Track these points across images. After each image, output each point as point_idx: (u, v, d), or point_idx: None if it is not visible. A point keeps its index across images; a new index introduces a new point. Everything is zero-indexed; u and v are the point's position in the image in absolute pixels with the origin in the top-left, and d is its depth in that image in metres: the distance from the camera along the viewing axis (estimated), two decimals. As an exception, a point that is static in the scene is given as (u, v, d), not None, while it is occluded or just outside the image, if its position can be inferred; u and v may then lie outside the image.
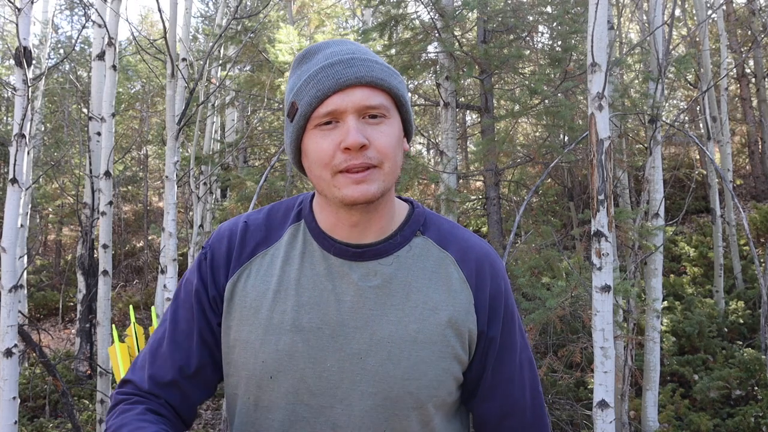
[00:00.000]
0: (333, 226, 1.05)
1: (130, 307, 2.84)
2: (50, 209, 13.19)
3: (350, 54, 0.99)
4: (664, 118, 6.00)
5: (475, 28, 6.21)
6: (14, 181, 3.71)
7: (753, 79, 11.46)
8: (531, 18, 5.92)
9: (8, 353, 3.56)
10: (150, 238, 12.69)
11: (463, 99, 8.34)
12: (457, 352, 1.04)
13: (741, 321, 7.06)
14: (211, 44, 7.22)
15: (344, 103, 0.96)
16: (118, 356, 2.39)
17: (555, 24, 5.81)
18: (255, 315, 1.02)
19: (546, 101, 5.59)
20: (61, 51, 12.37)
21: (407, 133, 1.07)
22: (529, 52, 6.43)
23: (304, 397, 1.00)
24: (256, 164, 11.73)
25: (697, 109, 9.60)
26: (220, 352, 1.07)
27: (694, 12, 10.07)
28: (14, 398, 3.59)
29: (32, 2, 3.79)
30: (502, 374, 1.10)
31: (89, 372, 7.50)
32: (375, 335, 1.00)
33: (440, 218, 1.13)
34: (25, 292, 8.38)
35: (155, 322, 2.57)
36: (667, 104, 11.94)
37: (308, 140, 1.00)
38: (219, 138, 10.58)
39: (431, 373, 1.01)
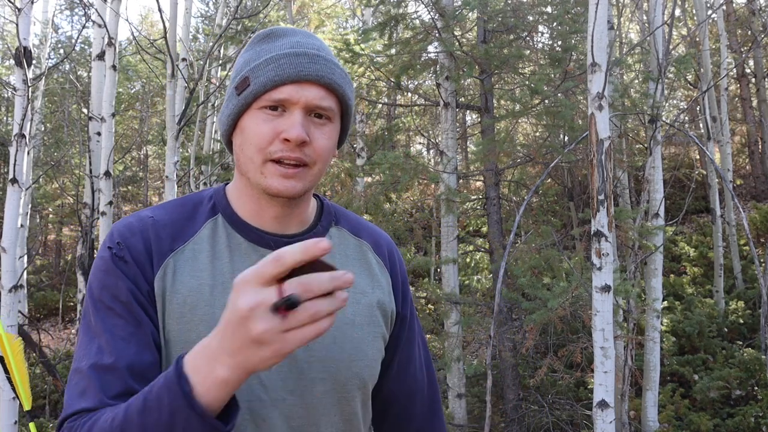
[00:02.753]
0: (254, 215, 1.04)
1: None
2: (50, 209, 13.20)
3: (315, 50, 0.99)
4: (664, 118, 6.00)
5: (475, 28, 6.21)
6: (14, 181, 3.72)
7: (753, 79, 11.47)
8: (531, 18, 5.93)
9: (8, 353, 3.56)
10: (150, 238, 12.66)
11: (463, 99, 8.34)
12: (384, 333, 1.10)
13: (741, 321, 7.06)
14: (211, 44, 7.23)
15: (298, 95, 0.96)
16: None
17: (555, 24, 5.81)
18: (192, 312, 0.97)
19: (546, 101, 5.59)
20: (61, 51, 12.38)
21: (340, 140, 1.09)
22: (529, 52, 6.43)
23: (258, 392, 0.98)
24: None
25: (697, 109, 9.61)
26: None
27: (694, 12, 10.07)
28: (14, 398, 3.59)
29: (32, 2, 3.79)
30: (409, 354, 1.17)
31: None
32: None
33: (344, 210, 1.18)
34: (25, 292, 8.38)
35: None
36: (667, 104, 11.94)
37: (249, 119, 0.99)
38: (219, 138, 10.58)
39: (370, 352, 1.06)
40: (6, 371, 2.43)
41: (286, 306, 0.67)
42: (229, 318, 0.72)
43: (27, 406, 2.43)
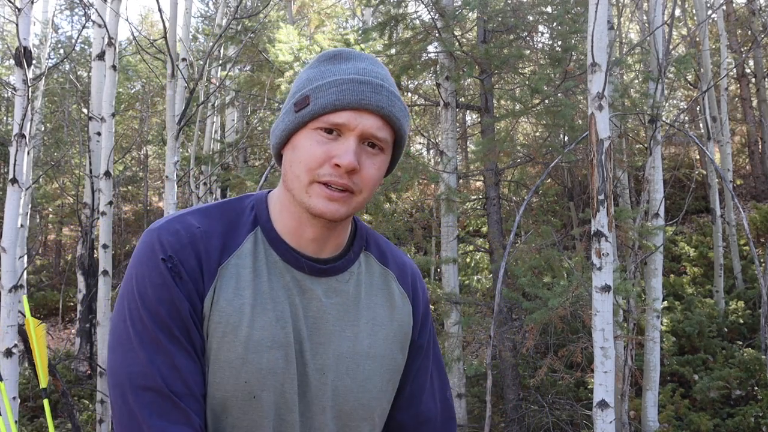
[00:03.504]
0: (293, 233, 1.03)
1: None
2: (50, 209, 13.20)
3: (380, 80, 1.00)
4: (664, 118, 6.00)
5: (475, 28, 6.21)
6: (14, 181, 3.72)
7: (753, 79, 11.47)
8: (531, 18, 5.92)
9: (8, 353, 3.56)
10: (150, 238, 12.65)
11: (463, 99, 8.34)
12: (398, 364, 1.11)
13: (741, 321, 7.06)
14: (211, 44, 7.23)
15: (356, 122, 0.97)
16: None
17: (555, 24, 5.81)
18: (234, 332, 0.96)
19: (546, 101, 5.59)
20: (61, 51, 12.38)
21: (389, 170, 1.09)
22: (529, 52, 6.43)
23: (283, 413, 0.99)
24: (256, 164, 11.73)
25: (697, 109, 9.61)
26: None
27: (694, 12, 10.07)
28: (14, 398, 3.59)
29: (32, 2, 3.79)
30: (422, 383, 1.17)
31: (89, 372, 7.51)
32: (336, 351, 1.03)
33: (375, 233, 1.17)
34: (25, 292, 8.37)
35: None
36: (667, 104, 11.94)
37: (303, 137, 0.99)
38: (219, 138, 10.58)
39: (379, 384, 1.07)
40: (29, 351, 2.62)
41: None
42: None
43: (43, 384, 2.64)
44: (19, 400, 3.64)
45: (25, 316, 3.07)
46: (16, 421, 3.65)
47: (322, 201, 0.97)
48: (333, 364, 1.03)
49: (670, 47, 5.66)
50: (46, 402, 2.74)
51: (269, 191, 1.09)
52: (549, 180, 8.04)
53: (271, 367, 0.97)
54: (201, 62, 7.59)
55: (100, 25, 5.85)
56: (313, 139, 0.97)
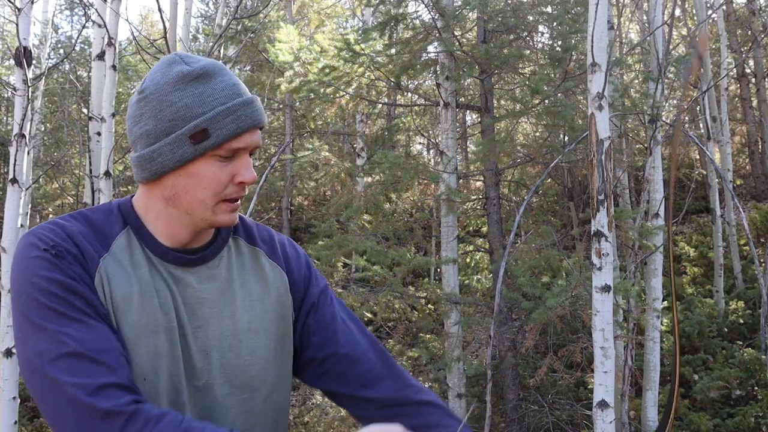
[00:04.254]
0: (166, 234, 1.09)
1: None
2: (50, 209, 13.19)
3: (250, 94, 1.09)
4: (664, 118, 6.00)
5: (475, 28, 6.21)
6: (14, 181, 3.72)
7: (753, 79, 11.47)
8: (531, 18, 5.93)
9: (8, 353, 3.57)
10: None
11: (463, 99, 8.34)
12: (284, 331, 1.18)
13: (741, 321, 7.06)
14: (211, 44, 7.22)
15: (251, 142, 1.06)
16: None
17: (555, 24, 5.81)
18: (125, 317, 1.01)
19: (546, 101, 5.59)
20: (61, 51, 12.38)
21: None
22: (529, 52, 6.43)
23: (173, 395, 1.05)
24: (256, 164, 11.73)
25: (697, 109, 9.61)
26: None
27: (694, 12, 10.07)
28: (14, 398, 3.59)
29: (32, 2, 3.79)
30: (333, 328, 1.21)
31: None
32: (216, 331, 1.10)
33: (242, 216, 1.25)
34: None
35: None
36: (667, 104, 11.94)
37: (202, 165, 1.04)
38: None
39: (266, 355, 1.13)
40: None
41: None
42: None
43: None
44: (19, 400, 3.64)
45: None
46: (15, 422, 3.65)
47: (227, 215, 1.08)
48: (216, 344, 1.09)
49: (670, 47, 5.66)
50: None
51: (132, 196, 1.14)
52: (549, 180, 8.04)
53: (158, 351, 1.03)
54: (201, 62, 7.57)
55: (100, 25, 5.85)
56: (215, 166, 1.05)
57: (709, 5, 8.98)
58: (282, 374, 1.18)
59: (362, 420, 1.20)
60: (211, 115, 1.02)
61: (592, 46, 3.32)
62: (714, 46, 10.68)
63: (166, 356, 1.04)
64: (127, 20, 5.52)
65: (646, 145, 5.49)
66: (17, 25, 3.70)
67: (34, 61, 4.06)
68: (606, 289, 3.28)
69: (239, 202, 1.09)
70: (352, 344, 1.21)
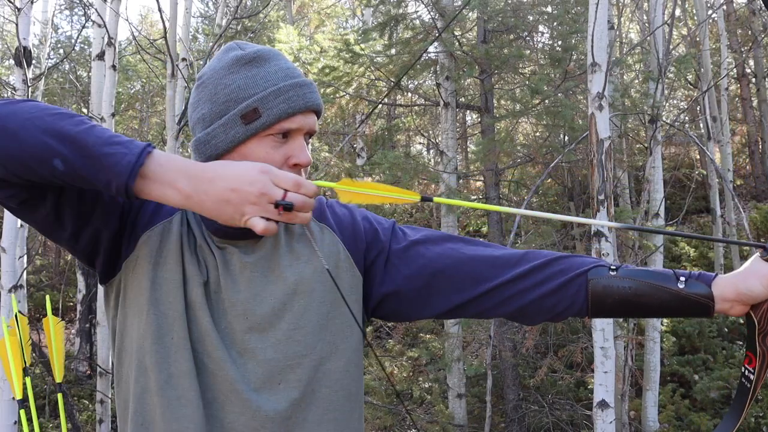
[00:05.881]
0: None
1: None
2: (50, 209, 13.17)
3: (304, 77, 1.09)
4: (664, 118, 6.00)
5: (475, 28, 6.21)
6: (14, 181, 3.71)
7: (753, 79, 11.46)
8: (531, 18, 5.93)
9: (8, 353, 3.56)
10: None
11: (463, 99, 8.34)
12: (343, 292, 1.10)
13: (741, 321, 7.06)
14: (211, 44, 7.22)
15: (304, 124, 1.06)
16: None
17: (555, 24, 5.81)
18: (162, 268, 1.06)
19: (546, 101, 5.59)
20: (61, 51, 12.38)
21: None
22: (529, 52, 6.43)
23: (209, 348, 1.05)
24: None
25: (697, 109, 9.60)
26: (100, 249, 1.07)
27: (694, 12, 10.07)
28: (14, 398, 3.59)
29: (32, 2, 3.79)
30: (445, 262, 1.14)
31: (89, 372, 7.51)
32: (259, 295, 1.07)
33: None
34: (25, 292, 8.37)
35: None
36: (667, 104, 11.93)
37: (255, 146, 1.05)
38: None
39: (315, 319, 1.08)
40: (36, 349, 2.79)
41: (284, 206, 0.92)
42: (242, 165, 0.94)
43: (59, 379, 2.81)
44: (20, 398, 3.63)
45: (25, 316, 3.10)
46: (15, 422, 3.65)
47: None
48: (258, 307, 1.08)
49: (670, 47, 5.66)
50: (60, 396, 2.86)
51: None
52: (549, 180, 8.03)
53: (193, 302, 1.06)
54: (201, 62, 7.59)
55: (99, 25, 5.84)
56: (268, 146, 1.05)
57: (709, 5, 8.98)
58: (337, 341, 1.10)
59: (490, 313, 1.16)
60: (263, 95, 1.04)
61: (592, 46, 3.32)
62: (714, 46, 10.68)
63: (204, 314, 1.04)
64: (127, 20, 5.53)
65: (646, 145, 5.49)
66: (17, 25, 3.70)
67: (33, 61, 4.06)
68: (606, 289, 3.28)
69: None
70: (444, 255, 1.14)
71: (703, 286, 1.07)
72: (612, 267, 1.11)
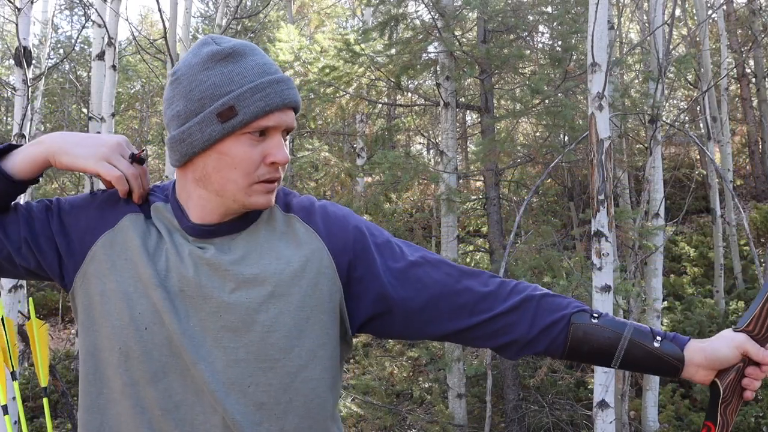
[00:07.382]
0: (198, 217, 1.10)
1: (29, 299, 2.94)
2: (50, 209, 13.17)
3: (281, 73, 1.07)
4: (664, 118, 6.00)
5: (476, 27, 6.21)
6: (14, 181, 3.71)
7: (753, 79, 11.46)
8: (531, 18, 5.93)
9: (8, 353, 3.56)
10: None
11: (463, 99, 8.34)
12: (321, 299, 1.08)
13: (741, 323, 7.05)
14: (211, 44, 7.22)
15: (281, 122, 1.04)
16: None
17: (555, 24, 5.81)
18: (134, 269, 1.06)
19: (546, 101, 5.59)
20: (61, 51, 12.38)
21: None
22: (529, 52, 6.43)
23: (175, 350, 1.03)
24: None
25: (697, 109, 9.61)
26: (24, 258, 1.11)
27: (694, 12, 10.07)
28: (14, 398, 3.59)
29: (32, 2, 3.80)
30: (411, 276, 1.13)
31: (89, 372, 7.48)
32: (234, 294, 1.05)
33: (287, 190, 1.21)
34: (25, 292, 8.37)
35: None
36: (667, 104, 11.94)
37: (232, 144, 1.03)
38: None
39: (290, 323, 1.05)
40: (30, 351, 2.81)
41: (139, 160, 1.11)
42: (101, 135, 1.11)
43: (44, 383, 2.81)
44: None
45: (25, 316, 3.08)
46: (15, 422, 3.65)
47: (262, 197, 1.06)
48: (229, 307, 1.06)
49: (670, 47, 5.66)
50: (45, 401, 2.80)
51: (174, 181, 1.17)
52: (549, 180, 8.03)
53: (158, 308, 1.07)
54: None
55: (99, 25, 5.85)
56: (245, 144, 1.03)
57: (709, 5, 8.98)
58: (315, 348, 1.07)
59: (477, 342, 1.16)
60: (239, 93, 1.01)
61: (592, 46, 3.32)
62: (714, 46, 10.68)
63: (167, 313, 1.03)
64: (127, 20, 5.53)
65: (646, 145, 5.49)
66: (17, 25, 3.70)
67: (33, 61, 4.06)
68: (606, 289, 3.28)
69: (276, 184, 1.07)
70: (441, 283, 1.13)
71: (675, 348, 1.13)
72: (594, 315, 1.14)
